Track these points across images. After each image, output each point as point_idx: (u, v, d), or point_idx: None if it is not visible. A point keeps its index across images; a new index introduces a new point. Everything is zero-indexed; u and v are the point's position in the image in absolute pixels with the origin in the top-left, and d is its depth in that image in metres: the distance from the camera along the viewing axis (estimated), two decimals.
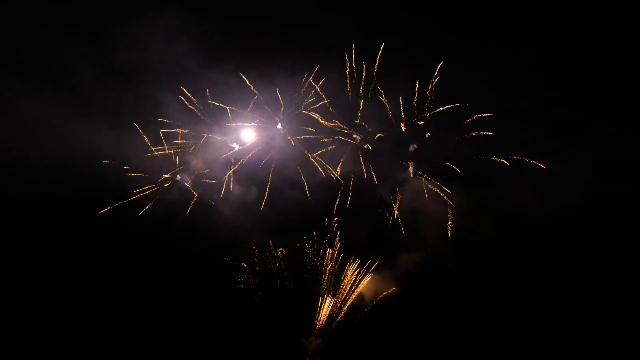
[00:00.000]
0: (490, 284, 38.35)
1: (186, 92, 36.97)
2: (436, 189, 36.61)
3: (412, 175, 37.04)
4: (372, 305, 38.99)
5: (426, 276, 38.73)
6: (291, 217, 38.68)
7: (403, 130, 36.69)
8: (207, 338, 39.72)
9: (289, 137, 37.08)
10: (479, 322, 38.30)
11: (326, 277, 38.66)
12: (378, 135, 36.87)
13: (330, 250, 38.56)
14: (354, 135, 37.07)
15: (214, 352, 39.16)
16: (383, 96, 36.02)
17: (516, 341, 37.76)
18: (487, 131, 36.12)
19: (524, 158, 35.79)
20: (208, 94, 36.94)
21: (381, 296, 38.89)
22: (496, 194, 37.73)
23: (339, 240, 38.56)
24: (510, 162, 35.96)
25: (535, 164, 35.85)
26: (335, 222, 38.27)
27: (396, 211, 37.37)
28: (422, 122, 36.59)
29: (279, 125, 37.35)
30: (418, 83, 35.89)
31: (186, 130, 37.47)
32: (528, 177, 36.84)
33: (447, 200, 36.41)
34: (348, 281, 38.70)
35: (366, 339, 38.89)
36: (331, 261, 38.51)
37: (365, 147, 36.88)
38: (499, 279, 38.25)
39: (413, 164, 37.02)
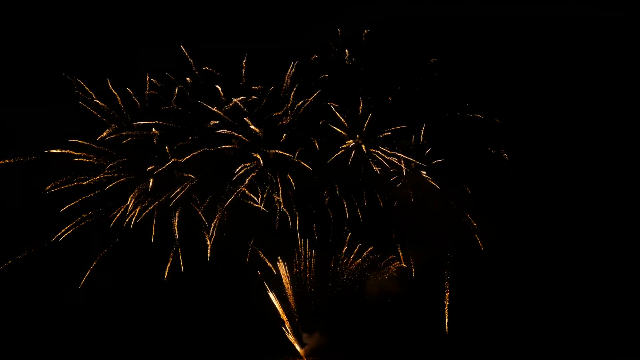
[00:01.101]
0: (492, 283, 37.96)
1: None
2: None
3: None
4: (374, 305, 38.73)
5: (429, 276, 38.25)
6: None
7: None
8: (206, 337, 39.48)
9: (270, 152, 36.29)
10: (481, 322, 37.98)
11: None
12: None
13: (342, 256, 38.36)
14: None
15: (215, 351, 39.00)
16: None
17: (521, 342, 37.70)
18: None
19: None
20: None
21: (384, 296, 38.70)
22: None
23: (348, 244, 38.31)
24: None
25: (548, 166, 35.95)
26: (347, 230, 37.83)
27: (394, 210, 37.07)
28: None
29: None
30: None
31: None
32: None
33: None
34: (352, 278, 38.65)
35: (366, 339, 38.61)
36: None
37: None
38: (500, 278, 37.90)
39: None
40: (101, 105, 35.54)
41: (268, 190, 36.20)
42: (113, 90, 35.66)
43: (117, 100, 35.70)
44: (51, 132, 35.48)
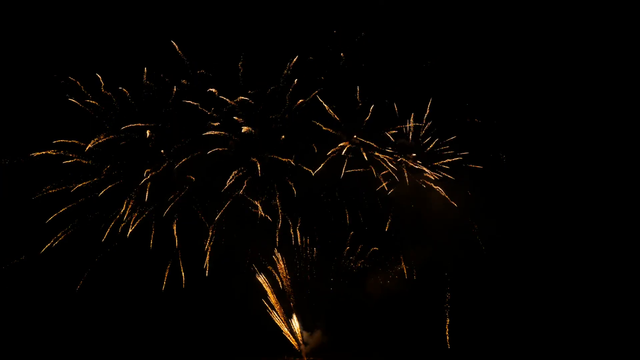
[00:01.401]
0: (493, 285, 38.12)
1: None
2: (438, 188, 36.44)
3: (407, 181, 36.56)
4: (375, 305, 38.78)
5: (430, 276, 38.36)
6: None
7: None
8: (208, 338, 39.56)
9: (267, 156, 35.99)
10: (483, 321, 38.12)
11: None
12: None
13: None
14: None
15: (216, 352, 39.06)
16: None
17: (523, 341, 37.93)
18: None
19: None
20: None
21: (384, 295, 38.76)
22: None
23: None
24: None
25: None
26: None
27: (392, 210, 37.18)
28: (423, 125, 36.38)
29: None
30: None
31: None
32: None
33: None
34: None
35: (367, 339, 38.83)
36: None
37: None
38: (501, 280, 38.07)
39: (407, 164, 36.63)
40: (95, 106, 34.73)
41: (266, 195, 36.00)
42: (107, 92, 34.90)
43: (112, 101, 34.99)
44: (39, 134, 34.34)
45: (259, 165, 35.31)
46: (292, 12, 36.22)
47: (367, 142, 36.11)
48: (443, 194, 35.92)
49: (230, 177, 35.00)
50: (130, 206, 34.88)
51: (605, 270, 37.75)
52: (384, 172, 36.33)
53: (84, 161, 34.70)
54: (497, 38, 36.41)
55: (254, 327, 38.75)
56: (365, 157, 35.97)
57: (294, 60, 35.21)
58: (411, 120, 36.50)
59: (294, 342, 38.67)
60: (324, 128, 35.52)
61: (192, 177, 35.42)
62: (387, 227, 36.85)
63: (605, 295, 37.53)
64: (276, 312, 38.47)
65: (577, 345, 36.95)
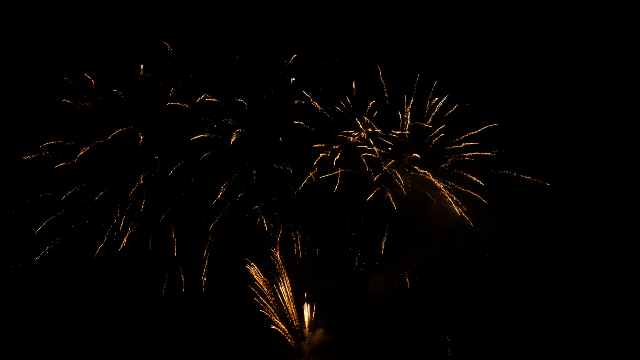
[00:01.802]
0: (494, 280, 37.92)
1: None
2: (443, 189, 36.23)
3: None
4: (376, 305, 38.56)
5: (431, 273, 38.14)
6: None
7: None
8: (209, 338, 39.75)
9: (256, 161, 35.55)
10: (483, 319, 38.02)
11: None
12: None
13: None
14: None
15: (216, 352, 39.33)
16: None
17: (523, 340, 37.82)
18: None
19: None
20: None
21: (385, 295, 38.61)
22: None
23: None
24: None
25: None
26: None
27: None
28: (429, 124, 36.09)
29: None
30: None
31: None
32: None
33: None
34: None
35: (369, 338, 38.87)
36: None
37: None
38: (504, 276, 37.88)
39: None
40: (90, 108, 34.48)
41: (265, 198, 35.88)
42: (100, 95, 34.67)
43: (106, 103, 34.79)
44: (32, 137, 34.00)
45: (254, 171, 35.16)
46: (289, 14, 35.75)
47: (365, 142, 35.86)
48: (444, 193, 35.76)
49: (226, 182, 34.83)
50: (128, 210, 34.88)
51: (608, 276, 37.47)
52: (382, 172, 36.14)
53: (81, 164, 34.64)
54: (497, 38, 35.80)
55: (254, 327, 38.86)
56: (363, 159, 35.73)
57: (291, 59, 34.78)
58: (408, 116, 36.06)
59: (293, 343, 38.91)
60: (316, 133, 35.25)
61: (192, 180, 35.28)
62: (387, 228, 36.74)
63: (609, 300, 37.29)
64: (276, 313, 38.68)
65: (579, 350, 36.93)
